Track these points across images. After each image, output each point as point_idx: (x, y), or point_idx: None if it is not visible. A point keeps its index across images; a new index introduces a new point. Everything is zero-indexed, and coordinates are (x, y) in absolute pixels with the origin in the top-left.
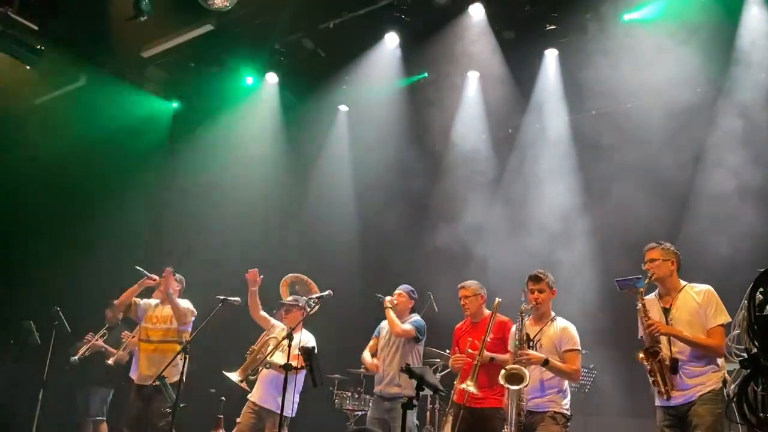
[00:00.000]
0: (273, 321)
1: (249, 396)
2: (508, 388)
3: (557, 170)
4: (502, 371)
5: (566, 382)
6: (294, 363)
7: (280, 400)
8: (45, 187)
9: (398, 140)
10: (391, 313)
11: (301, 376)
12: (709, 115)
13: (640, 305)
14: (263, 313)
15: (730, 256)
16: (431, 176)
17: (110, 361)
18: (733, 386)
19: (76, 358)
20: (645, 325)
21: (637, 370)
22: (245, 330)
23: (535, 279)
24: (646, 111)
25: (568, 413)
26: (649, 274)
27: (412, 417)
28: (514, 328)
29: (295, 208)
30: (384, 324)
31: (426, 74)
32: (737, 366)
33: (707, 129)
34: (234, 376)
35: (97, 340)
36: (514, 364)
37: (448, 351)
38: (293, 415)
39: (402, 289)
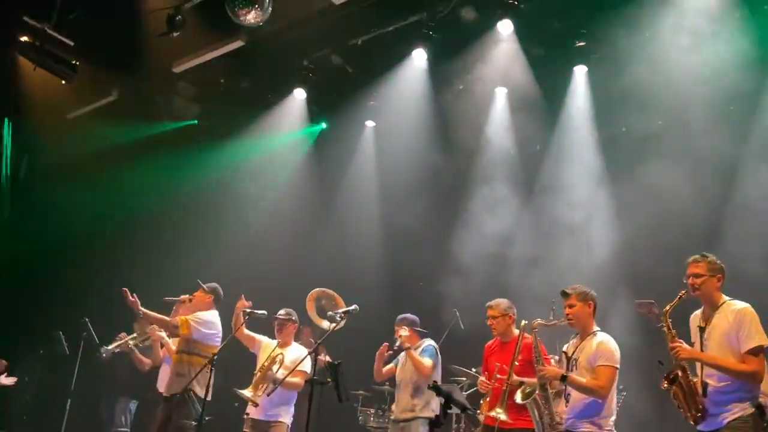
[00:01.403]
0: (258, 337)
1: (246, 413)
2: (526, 405)
3: (586, 187)
4: (519, 390)
5: (612, 401)
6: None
7: (279, 410)
8: (74, 198)
9: (426, 157)
10: (415, 355)
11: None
12: (743, 128)
13: (665, 328)
14: (247, 332)
15: None
16: (459, 193)
17: (146, 367)
18: None
19: (107, 348)
20: (669, 348)
21: (664, 391)
22: None
23: (564, 295)
24: (678, 127)
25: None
26: (685, 290)
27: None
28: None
29: (321, 224)
30: (401, 356)
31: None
32: None
33: (741, 143)
34: (247, 393)
35: (128, 339)
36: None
37: (474, 369)
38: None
39: (404, 324)
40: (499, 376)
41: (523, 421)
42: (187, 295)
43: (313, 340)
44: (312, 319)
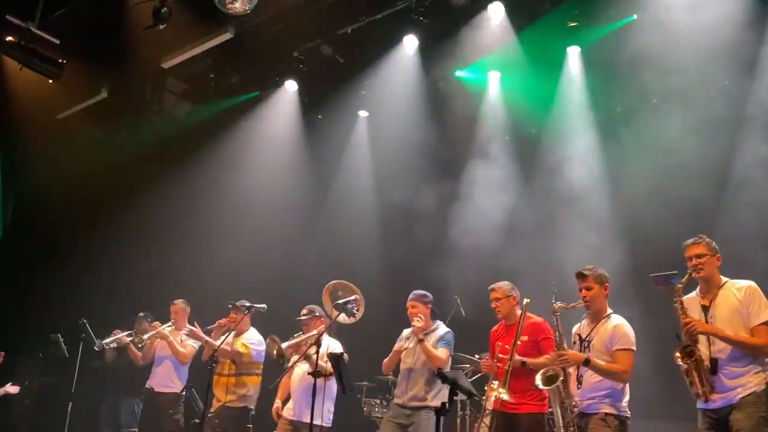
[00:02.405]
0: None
1: (283, 413)
2: (545, 390)
3: (583, 168)
4: (539, 374)
5: (627, 384)
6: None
7: (318, 410)
8: (68, 200)
9: (420, 145)
10: (428, 347)
11: (334, 384)
12: (738, 111)
13: (677, 303)
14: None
15: None
16: (455, 179)
17: (141, 362)
18: None
19: (101, 342)
20: (682, 323)
21: (674, 371)
22: None
23: (580, 276)
24: (672, 106)
25: (623, 415)
26: (691, 271)
27: (432, 427)
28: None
29: (316, 215)
30: (407, 333)
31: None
32: None
33: (737, 126)
34: (284, 345)
35: (124, 336)
36: (552, 366)
37: (477, 356)
38: (329, 424)
39: (418, 303)
40: (501, 355)
41: (529, 405)
42: (224, 320)
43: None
44: (328, 312)
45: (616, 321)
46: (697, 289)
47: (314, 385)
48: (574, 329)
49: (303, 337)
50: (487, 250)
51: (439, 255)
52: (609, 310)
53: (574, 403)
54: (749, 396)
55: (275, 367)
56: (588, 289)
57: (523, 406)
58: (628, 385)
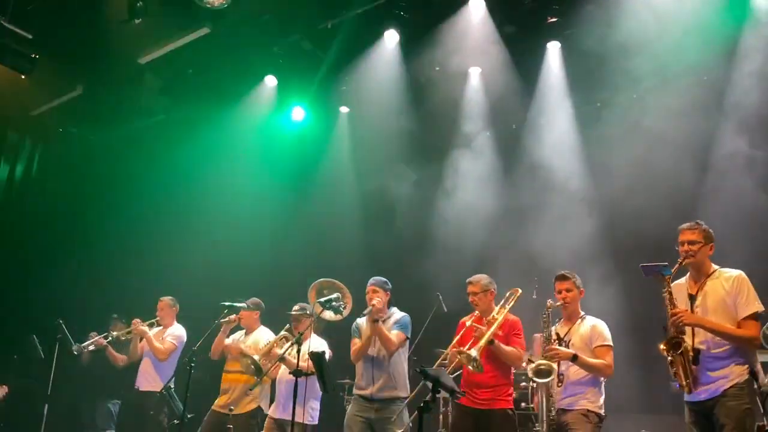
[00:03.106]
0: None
1: (269, 412)
2: (536, 383)
3: (564, 163)
4: (531, 366)
5: (601, 381)
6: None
7: (300, 408)
8: (43, 199)
9: (401, 140)
10: (383, 329)
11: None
12: (718, 100)
13: (666, 294)
14: (227, 341)
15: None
16: (436, 175)
17: (120, 363)
18: None
19: (80, 345)
20: (670, 314)
21: (652, 366)
22: None
23: (562, 278)
24: (652, 100)
25: (602, 412)
26: (682, 257)
27: (407, 415)
28: (538, 334)
29: (298, 212)
30: (361, 322)
31: None
32: None
33: (717, 117)
34: (256, 357)
35: (100, 338)
36: (542, 359)
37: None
38: (314, 422)
39: (376, 285)
40: (476, 325)
41: (500, 401)
42: (235, 316)
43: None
44: (315, 310)
45: (594, 321)
46: (687, 275)
47: (296, 383)
48: (538, 335)
49: (271, 341)
50: (469, 243)
51: (421, 249)
52: (582, 312)
53: (553, 400)
54: (732, 388)
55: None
56: (569, 290)
57: (494, 402)
58: (603, 385)
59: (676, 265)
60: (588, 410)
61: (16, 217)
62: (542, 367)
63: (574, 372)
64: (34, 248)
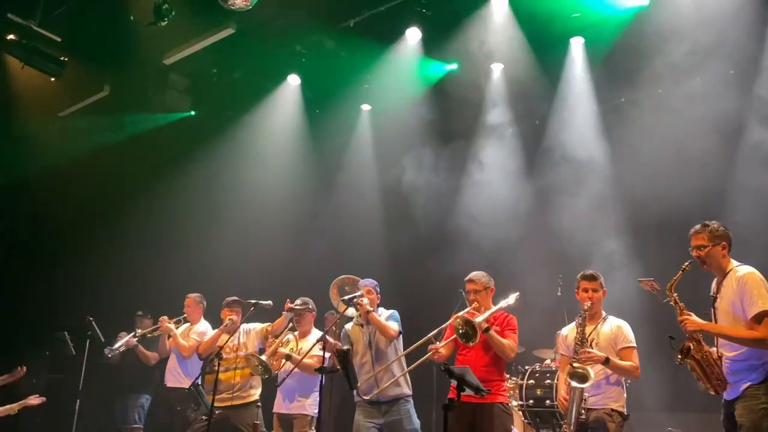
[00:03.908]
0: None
1: (273, 410)
2: (572, 386)
3: (587, 158)
4: (568, 368)
5: (623, 380)
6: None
7: (302, 401)
8: (72, 199)
9: (423, 137)
10: (377, 317)
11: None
12: (746, 92)
13: (671, 301)
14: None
15: None
16: (458, 172)
17: (152, 361)
18: None
19: (112, 348)
20: (678, 320)
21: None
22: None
23: (590, 278)
24: (677, 94)
25: (625, 411)
26: (688, 262)
27: (414, 417)
28: (565, 330)
29: (319, 210)
30: (348, 328)
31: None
32: None
33: (743, 106)
34: (264, 357)
35: (130, 338)
36: (575, 363)
37: None
38: (315, 413)
39: (369, 285)
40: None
41: (496, 395)
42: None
43: (335, 328)
44: (337, 308)
45: (617, 322)
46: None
47: (321, 380)
48: (563, 332)
49: (276, 342)
50: (491, 238)
51: (443, 246)
52: (604, 312)
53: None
54: (749, 388)
55: None
56: (595, 291)
57: (489, 396)
58: (625, 385)
59: (678, 273)
60: (612, 409)
61: (47, 215)
62: (579, 371)
63: (597, 372)
64: (66, 245)
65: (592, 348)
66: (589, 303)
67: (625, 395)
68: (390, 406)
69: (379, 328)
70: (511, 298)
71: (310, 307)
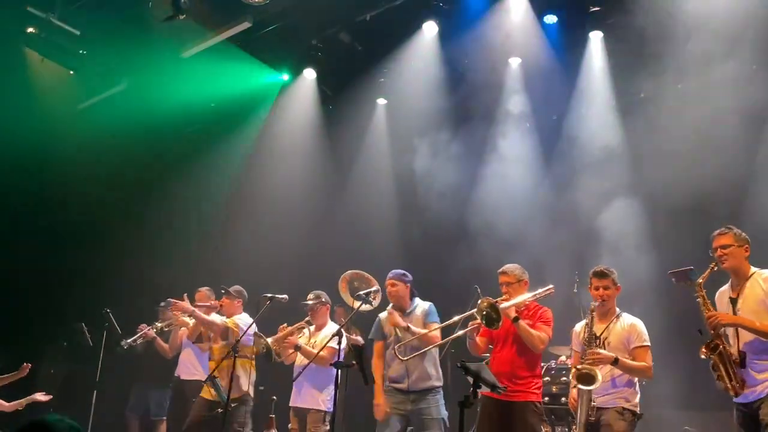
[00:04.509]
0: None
1: (290, 404)
2: (579, 389)
3: (605, 155)
4: (573, 371)
5: (636, 379)
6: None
7: (317, 396)
8: (90, 191)
9: (439, 132)
10: (419, 331)
11: (332, 370)
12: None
13: (699, 298)
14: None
15: None
16: (474, 167)
17: (170, 355)
18: None
19: (127, 341)
20: (705, 317)
21: (698, 362)
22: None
23: (601, 275)
24: (696, 90)
25: (638, 411)
26: (714, 263)
27: (442, 408)
28: (578, 326)
29: (335, 203)
30: (383, 317)
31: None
32: None
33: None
34: (270, 340)
35: (149, 330)
36: (583, 363)
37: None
38: (331, 409)
39: (395, 278)
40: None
41: (527, 393)
42: (216, 301)
43: (343, 320)
44: (345, 301)
45: (631, 319)
46: (729, 281)
47: (337, 375)
48: (577, 328)
49: (288, 329)
50: (507, 233)
51: (458, 240)
52: (618, 310)
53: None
54: None
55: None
56: (606, 288)
57: (518, 394)
58: (638, 384)
59: (707, 271)
60: (624, 408)
61: (61, 207)
62: (585, 371)
63: (608, 370)
64: (84, 237)
65: (604, 347)
66: (599, 301)
67: (639, 394)
68: (419, 396)
69: (424, 341)
70: (541, 291)
71: (323, 300)
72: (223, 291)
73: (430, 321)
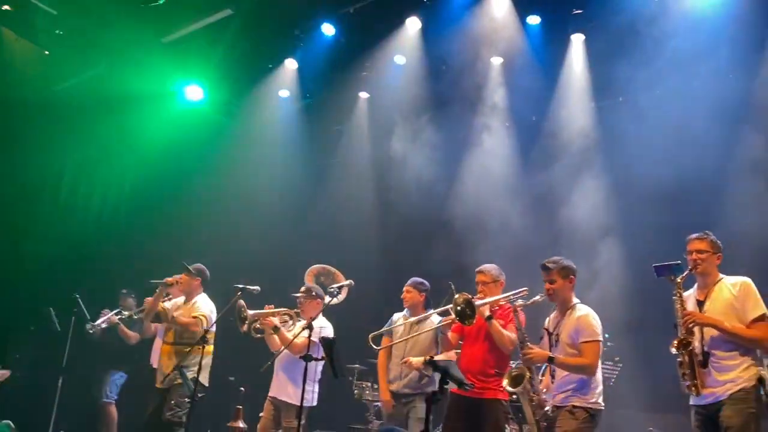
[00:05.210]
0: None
1: (269, 392)
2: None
3: (582, 157)
4: (508, 372)
5: (598, 373)
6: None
7: (294, 390)
8: (65, 175)
9: (419, 126)
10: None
11: (319, 364)
12: (742, 95)
13: (677, 296)
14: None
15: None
16: (453, 165)
17: (133, 341)
18: None
19: (94, 324)
20: (680, 315)
21: (662, 362)
22: None
23: (543, 269)
24: (674, 97)
25: (593, 407)
26: (690, 266)
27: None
28: (547, 321)
29: (314, 197)
30: (395, 318)
31: None
32: None
33: (740, 108)
34: (251, 312)
35: (112, 315)
36: (519, 363)
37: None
38: (314, 403)
39: (411, 285)
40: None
41: (493, 391)
42: (175, 277)
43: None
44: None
45: (581, 311)
46: (695, 285)
47: (305, 368)
48: (545, 323)
49: (273, 310)
50: (485, 236)
51: (437, 233)
52: (575, 300)
53: (544, 398)
54: (738, 392)
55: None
56: (551, 282)
57: (486, 391)
58: (600, 377)
59: (686, 272)
60: (574, 406)
61: (32, 190)
62: (514, 373)
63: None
64: (50, 223)
65: (556, 343)
66: (539, 297)
67: (598, 390)
68: (408, 399)
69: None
70: (515, 292)
71: (314, 294)
72: (184, 265)
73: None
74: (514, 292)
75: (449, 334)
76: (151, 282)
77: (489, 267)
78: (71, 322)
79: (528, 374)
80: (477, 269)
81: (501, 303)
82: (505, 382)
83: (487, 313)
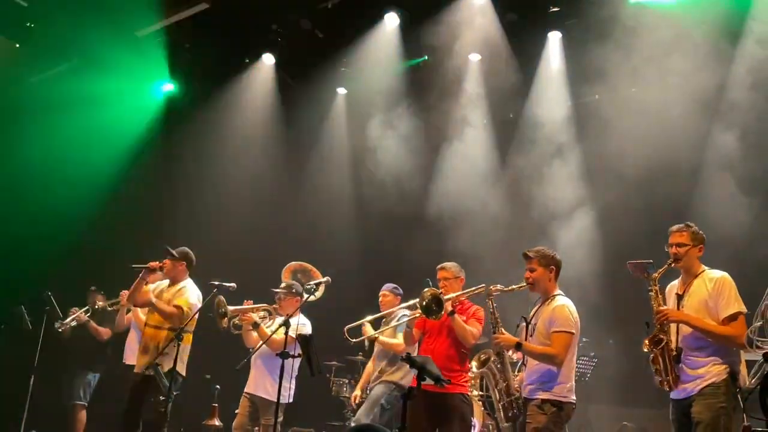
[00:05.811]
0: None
1: (245, 388)
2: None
3: (558, 154)
4: (476, 356)
5: (569, 367)
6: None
7: (273, 386)
8: (36, 170)
9: (398, 124)
10: (386, 341)
11: (296, 361)
12: (718, 96)
13: (652, 292)
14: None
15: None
16: (432, 161)
17: (104, 337)
18: (754, 380)
19: (63, 322)
20: (655, 311)
21: (638, 359)
22: None
23: (525, 257)
24: (651, 95)
25: (562, 400)
26: (672, 259)
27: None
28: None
29: (291, 193)
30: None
31: (426, 57)
32: (758, 359)
33: (716, 106)
34: (231, 308)
35: (81, 313)
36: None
37: None
38: (290, 400)
39: (387, 290)
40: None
41: (457, 386)
42: (157, 262)
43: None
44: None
45: (558, 302)
46: (680, 276)
47: (282, 365)
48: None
49: (252, 306)
50: (464, 231)
51: (415, 235)
52: (556, 291)
53: (516, 387)
54: (708, 387)
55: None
56: (531, 270)
57: (452, 386)
58: (569, 372)
59: (664, 267)
60: (543, 400)
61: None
62: (482, 357)
63: (530, 359)
64: (21, 219)
65: (532, 333)
66: (519, 286)
67: (568, 385)
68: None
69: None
70: (473, 289)
71: (294, 290)
72: (167, 250)
73: (398, 331)
74: (472, 288)
75: (413, 329)
76: (132, 267)
77: (451, 264)
78: (43, 320)
79: (493, 357)
80: (439, 266)
81: (462, 299)
82: (473, 364)
83: (450, 308)
